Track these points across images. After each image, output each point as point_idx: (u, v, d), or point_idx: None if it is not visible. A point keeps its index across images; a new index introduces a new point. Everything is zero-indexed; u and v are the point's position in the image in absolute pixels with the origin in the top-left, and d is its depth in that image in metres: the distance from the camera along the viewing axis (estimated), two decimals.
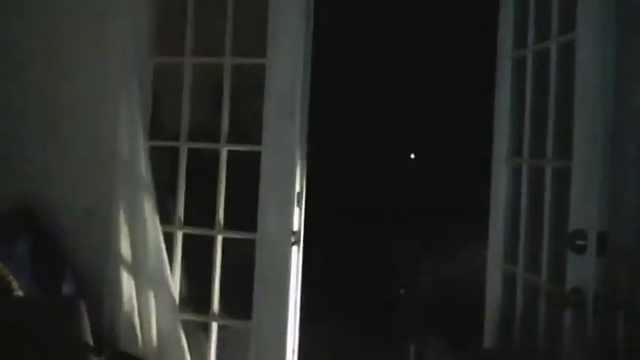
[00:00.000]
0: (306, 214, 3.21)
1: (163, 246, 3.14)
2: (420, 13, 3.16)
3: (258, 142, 3.13)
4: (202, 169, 3.27)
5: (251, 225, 3.13)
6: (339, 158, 5.53)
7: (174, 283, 3.20)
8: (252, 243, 3.14)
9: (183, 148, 3.25)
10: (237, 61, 3.21)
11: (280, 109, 3.11)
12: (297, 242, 3.15)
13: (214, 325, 3.21)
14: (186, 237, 3.26)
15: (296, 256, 3.16)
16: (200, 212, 3.27)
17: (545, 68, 2.65)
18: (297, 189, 3.13)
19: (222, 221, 3.20)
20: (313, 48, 3.19)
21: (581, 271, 2.32)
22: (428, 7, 3.15)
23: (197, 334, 3.26)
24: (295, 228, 3.13)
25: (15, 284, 2.80)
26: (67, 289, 3.07)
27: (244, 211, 3.17)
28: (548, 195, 2.60)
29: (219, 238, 3.19)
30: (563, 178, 2.48)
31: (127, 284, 3.12)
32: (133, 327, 3.10)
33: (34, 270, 2.98)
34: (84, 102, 3.24)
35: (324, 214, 4.09)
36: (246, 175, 3.17)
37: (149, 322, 3.12)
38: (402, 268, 5.76)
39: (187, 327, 3.17)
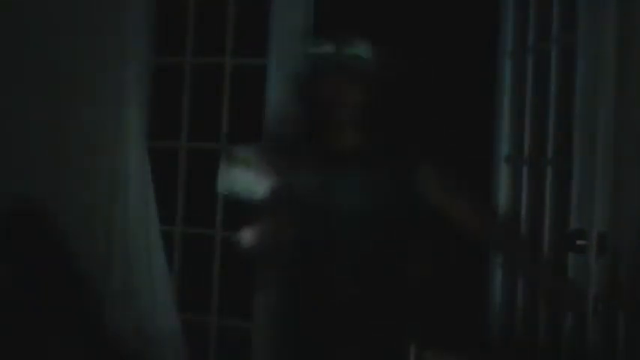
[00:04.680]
0: None
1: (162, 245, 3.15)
2: (420, 11, 3.16)
3: None
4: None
5: None
6: None
7: (174, 282, 3.21)
8: None
9: (183, 148, 3.26)
10: (237, 61, 3.22)
11: (280, 110, 3.10)
12: None
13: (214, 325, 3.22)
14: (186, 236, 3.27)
15: None
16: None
17: (545, 68, 2.65)
18: None
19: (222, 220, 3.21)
20: None
21: (581, 271, 2.32)
22: (428, 7, 3.15)
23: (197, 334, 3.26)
24: None
25: None
26: (67, 289, 3.07)
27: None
28: (548, 195, 2.60)
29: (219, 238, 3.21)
30: (563, 178, 2.48)
31: (129, 284, 3.13)
32: (135, 327, 3.11)
33: (35, 270, 2.98)
34: (84, 102, 3.24)
35: None
36: None
37: (151, 322, 3.12)
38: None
39: (187, 327, 3.18)
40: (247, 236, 2.14)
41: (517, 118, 2.88)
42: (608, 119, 2.28)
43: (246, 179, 2.14)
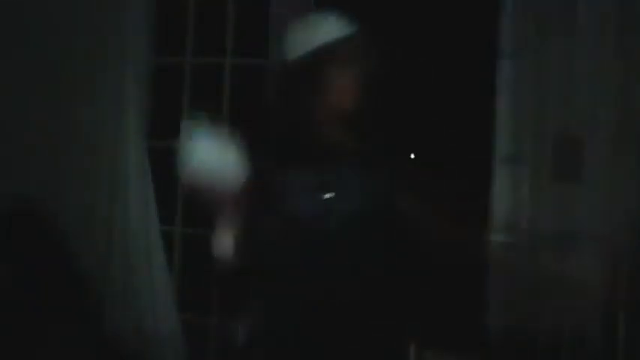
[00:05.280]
0: None
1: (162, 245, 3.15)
2: (420, 11, 3.16)
3: None
4: None
5: None
6: None
7: (174, 282, 3.21)
8: None
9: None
10: (237, 61, 3.22)
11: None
12: None
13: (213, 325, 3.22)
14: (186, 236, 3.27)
15: None
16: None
17: (545, 68, 2.65)
18: None
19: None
20: None
21: (581, 271, 2.32)
22: (428, 6, 3.16)
23: (197, 334, 3.26)
24: None
25: None
26: (67, 289, 3.07)
27: None
28: (548, 195, 2.59)
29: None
30: (563, 178, 2.48)
31: (129, 284, 3.12)
32: (135, 327, 3.11)
33: (35, 270, 2.98)
34: (84, 102, 3.24)
35: None
36: None
37: (151, 322, 3.12)
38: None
39: (187, 327, 3.17)
40: (224, 241, 1.96)
41: (517, 118, 2.87)
42: (608, 119, 2.28)
43: (215, 155, 1.95)
